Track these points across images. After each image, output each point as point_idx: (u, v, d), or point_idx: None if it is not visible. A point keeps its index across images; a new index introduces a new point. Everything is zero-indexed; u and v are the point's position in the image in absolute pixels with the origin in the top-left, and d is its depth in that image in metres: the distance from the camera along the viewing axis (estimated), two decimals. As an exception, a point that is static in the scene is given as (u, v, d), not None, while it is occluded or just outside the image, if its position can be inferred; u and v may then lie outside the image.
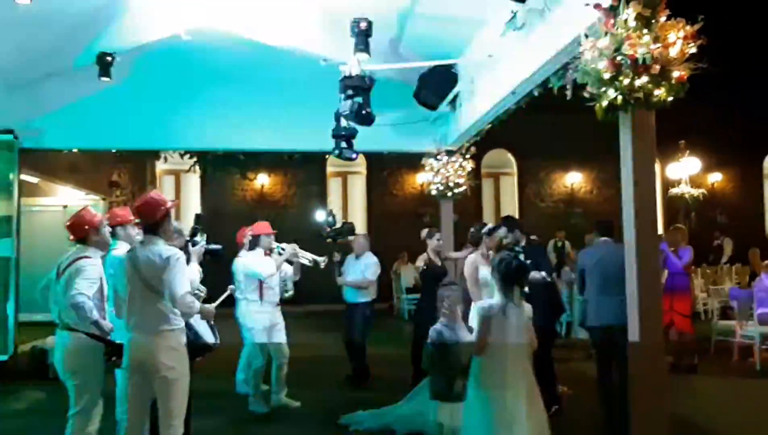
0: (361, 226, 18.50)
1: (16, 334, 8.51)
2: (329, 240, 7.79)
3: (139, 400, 4.23)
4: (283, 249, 6.89)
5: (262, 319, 6.74)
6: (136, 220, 4.41)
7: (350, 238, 8.18)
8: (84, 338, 4.48)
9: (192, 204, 18.08)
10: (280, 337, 6.88)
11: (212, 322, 4.83)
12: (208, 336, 4.74)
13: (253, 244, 6.85)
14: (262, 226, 6.98)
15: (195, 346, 4.47)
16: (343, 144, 7.06)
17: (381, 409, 6.28)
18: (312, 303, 13.15)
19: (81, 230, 4.73)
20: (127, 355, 4.21)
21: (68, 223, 4.80)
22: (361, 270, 8.04)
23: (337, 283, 8.15)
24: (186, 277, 4.28)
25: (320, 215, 7.85)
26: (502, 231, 6.97)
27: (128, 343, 4.22)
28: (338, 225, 7.88)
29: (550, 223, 17.54)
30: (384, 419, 6.04)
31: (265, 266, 6.67)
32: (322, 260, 7.20)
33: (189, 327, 4.41)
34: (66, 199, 13.92)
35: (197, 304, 4.28)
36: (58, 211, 13.10)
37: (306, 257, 7.07)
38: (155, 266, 4.14)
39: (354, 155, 7.26)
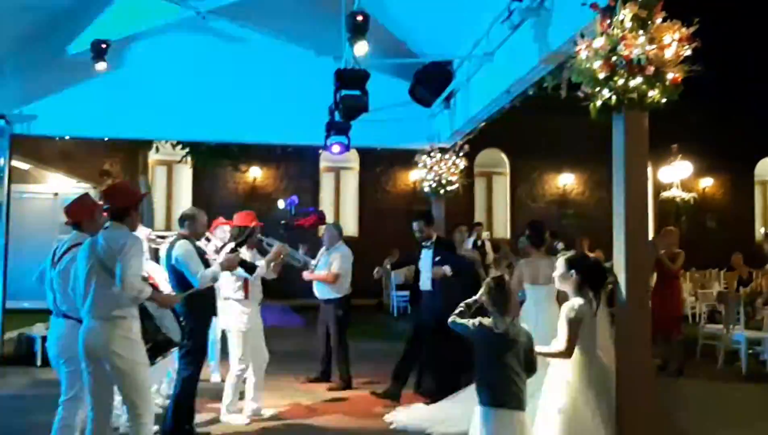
0: (352, 221, 18.51)
1: (3, 320, 8.46)
2: (292, 229, 7.29)
3: (98, 389, 4.14)
4: (269, 244, 6.49)
5: (247, 320, 6.18)
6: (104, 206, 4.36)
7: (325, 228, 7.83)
8: (79, 326, 4.45)
9: (184, 195, 18.04)
10: (261, 338, 6.38)
11: (182, 319, 4.70)
12: (174, 332, 4.56)
13: (248, 241, 6.24)
14: (247, 217, 6.41)
15: (155, 339, 4.32)
16: (336, 138, 7.01)
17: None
18: (290, 298, 13.02)
19: (77, 215, 4.71)
20: (81, 343, 4.11)
21: (66, 207, 4.79)
22: (330, 263, 7.54)
23: (303, 277, 7.67)
24: (141, 263, 4.23)
25: (282, 203, 7.45)
26: (416, 225, 7.02)
27: (82, 331, 4.13)
28: (299, 213, 7.36)
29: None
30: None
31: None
32: (313, 263, 6.87)
33: (151, 319, 4.30)
34: (57, 186, 13.84)
35: (148, 290, 4.17)
36: (48, 198, 13.03)
37: (296, 258, 6.69)
38: (111, 248, 4.09)
39: (337, 149, 7.15)
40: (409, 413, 6.32)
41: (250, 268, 5.98)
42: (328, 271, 7.53)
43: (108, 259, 4.07)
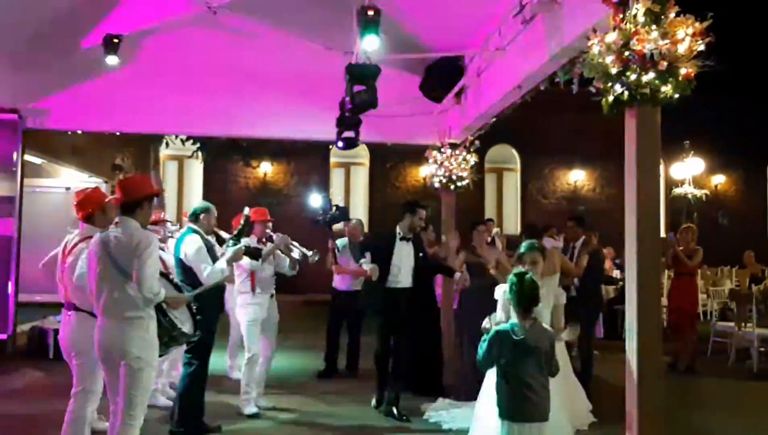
0: (362, 217, 18.46)
1: (16, 313, 8.53)
2: (324, 225, 7.49)
3: (116, 384, 4.10)
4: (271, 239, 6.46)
5: (254, 312, 6.28)
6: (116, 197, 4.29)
7: (343, 223, 8.00)
8: (89, 319, 4.47)
9: (195, 190, 18.11)
10: (270, 332, 6.49)
11: (195, 310, 4.65)
12: (188, 326, 4.52)
13: (247, 231, 6.35)
14: (258, 212, 6.53)
15: (170, 335, 4.29)
16: (346, 133, 7.01)
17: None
18: (310, 292, 13.10)
19: (87, 209, 4.72)
20: (95, 342, 4.09)
21: (75, 202, 4.80)
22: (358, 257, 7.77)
23: (334, 271, 7.94)
24: (156, 263, 4.13)
25: (315, 200, 7.53)
26: (424, 213, 6.64)
27: (97, 329, 4.10)
28: (332, 210, 7.53)
29: (552, 221, 17.50)
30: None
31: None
32: (311, 254, 6.86)
33: (165, 314, 4.23)
34: (69, 181, 13.90)
35: (163, 292, 4.12)
36: (60, 192, 13.08)
37: (296, 250, 6.59)
38: (126, 249, 4.01)
39: (341, 144, 7.15)
40: (448, 410, 6.29)
41: (254, 253, 5.98)
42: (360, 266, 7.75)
43: (122, 259, 4.00)
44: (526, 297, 3.77)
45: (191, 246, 5.41)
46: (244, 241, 5.84)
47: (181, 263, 5.47)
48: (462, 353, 6.96)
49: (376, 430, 5.97)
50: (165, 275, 4.65)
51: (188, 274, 5.40)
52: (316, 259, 6.62)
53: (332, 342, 8.08)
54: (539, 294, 3.86)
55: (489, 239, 12.45)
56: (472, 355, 6.65)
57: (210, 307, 5.47)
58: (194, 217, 5.67)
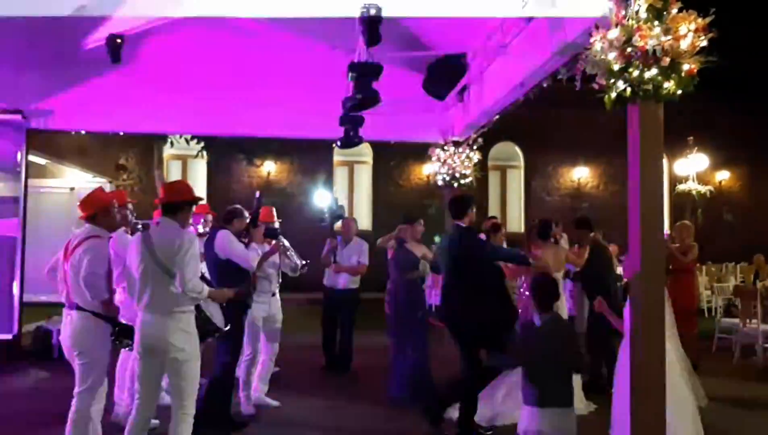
0: (366, 215, 18.53)
1: (21, 313, 8.56)
2: (326, 223, 7.69)
3: (150, 379, 4.32)
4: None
5: (255, 311, 6.21)
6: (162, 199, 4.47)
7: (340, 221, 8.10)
8: (92, 318, 4.51)
9: (199, 189, 18.06)
10: (273, 331, 6.53)
11: (224, 305, 4.77)
12: (219, 319, 4.68)
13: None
14: (264, 212, 6.56)
15: (204, 328, 4.48)
16: (349, 132, 7.03)
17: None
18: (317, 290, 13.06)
19: (91, 209, 4.74)
20: (138, 335, 4.26)
21: (80, 202, 4.83)
22: (357, 255, 8.01)
23: (333, 270, 8.00)
24: (198, 261, 4.31)
25: (322, 199, 7.69)
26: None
27: (140, 324, 4.26)
28: (337, 209, 7.73)
29: (556, 218, 17.47)
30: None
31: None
32: (302, 265, 6.62)
33: (199, 309, 4.42)
34: (73, 181, 13.96)
35: (206, 290, 4.33)
36: (65, 193, 13.13)
37: (292, 257, 6.58)
38: (169, 248, 4.19)
39: (338, 144, 7.21)
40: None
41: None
42: (358, 263, 8.01)
43: (165, 258, 4.17)
44: (541, 294, 4.16)
45: (227, 239, 5.49)
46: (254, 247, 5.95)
47: (214, 261, 5.46)
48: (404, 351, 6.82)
49: (381, 427, 5.99)
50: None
51: (221, 270, 5.43)
52: (305, 271, 6.66)
53: (328, 337, 8.20)
54: (558, 292, 4.32)
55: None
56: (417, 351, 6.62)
57: (240, 300, 5.48)
58: (228, 218, 5.74)
